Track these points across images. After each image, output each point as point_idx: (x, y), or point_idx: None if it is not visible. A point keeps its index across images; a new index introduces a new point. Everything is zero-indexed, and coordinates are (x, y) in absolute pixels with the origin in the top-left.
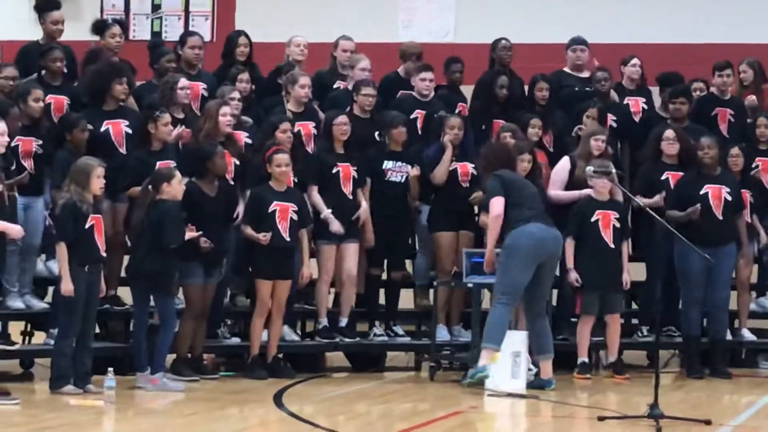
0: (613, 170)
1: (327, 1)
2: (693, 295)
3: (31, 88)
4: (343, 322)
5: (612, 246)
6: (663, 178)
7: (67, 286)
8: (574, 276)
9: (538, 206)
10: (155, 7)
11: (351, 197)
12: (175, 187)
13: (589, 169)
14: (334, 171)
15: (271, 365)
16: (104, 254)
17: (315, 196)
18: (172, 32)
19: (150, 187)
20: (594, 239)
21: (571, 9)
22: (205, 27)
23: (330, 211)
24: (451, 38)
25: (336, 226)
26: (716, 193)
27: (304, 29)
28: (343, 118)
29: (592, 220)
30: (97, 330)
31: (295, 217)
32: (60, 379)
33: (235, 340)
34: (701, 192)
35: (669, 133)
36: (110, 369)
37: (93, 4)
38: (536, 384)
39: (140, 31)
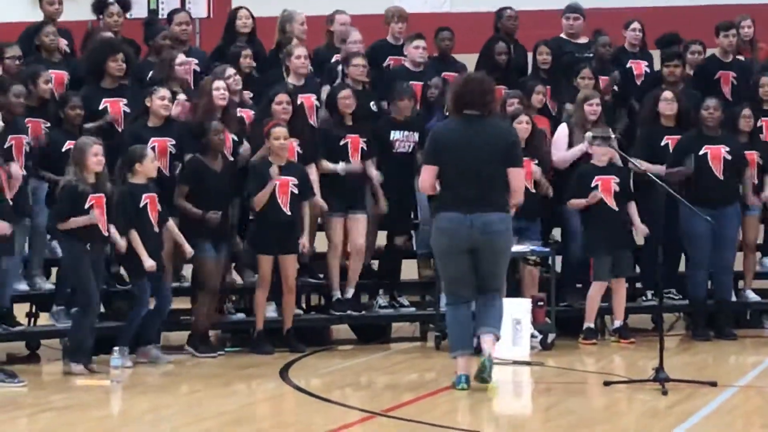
0: (612, 135)
1: None
2: (698, 258)
3: (39, 70)
4: (350, 293)
5: (616, 209)
6: (663, 143)
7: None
8: (576, 202)
9: (464, 185)
10: None
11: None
12: (147, 166)
13: (589, 135)
14: (342, 143)
15: (285, 339)
16: (107, 233)
17: (325, 164)
18: (168, 9)
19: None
20: (597, 205)
21: None
22: (202, 3)
23: (343, 164)
24: (448, 8)
25: (350, 166)
26: (715, 153)
27: (298, 3)
28: (346, 92)
29: (592, 185)
30: (102, 309)
31: (295, 190)
32: (75, 353)
33: (240, 316)
34: (700, 152)
35: (667, 93)
36: (115, 348)
37: None
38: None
39: (137, 8)
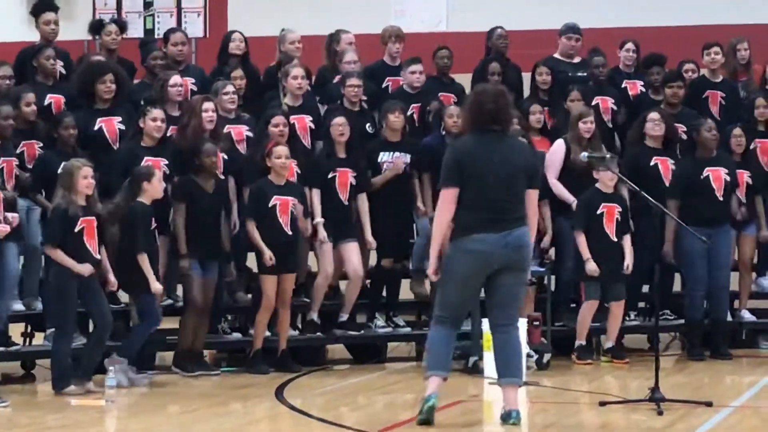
0: (608, 155)
1: None
2: (695, 278)
3: (22, 92)
4: (344, 317)
5: (614, 239)
6: (652, 163)
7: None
8: (592, 267)
9: (494, 203)
10: (147, 5)
11: (347, 203)
12: (156, 186)
13: (584, 155)
14: (330, 176)
15: (280, 359)
16: (98, 257)
17: (316, 201)
18: (164, 29)
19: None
20: (597, 231)
21: None
22: (198, 23)
23: (323, 220)
24: (444, 27)
25: (322, 236)
26: (717, 175)
27: (296, 23)
28: (339, 119)
29: (598, 212)
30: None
31: (295, 210)
32: (61, 380)
33: (236, 336)
34: (702, 175)
35: (654, 114)
36: (111, 368)
37: (86, 3)
38: (503, 417)
39: (133, 28)
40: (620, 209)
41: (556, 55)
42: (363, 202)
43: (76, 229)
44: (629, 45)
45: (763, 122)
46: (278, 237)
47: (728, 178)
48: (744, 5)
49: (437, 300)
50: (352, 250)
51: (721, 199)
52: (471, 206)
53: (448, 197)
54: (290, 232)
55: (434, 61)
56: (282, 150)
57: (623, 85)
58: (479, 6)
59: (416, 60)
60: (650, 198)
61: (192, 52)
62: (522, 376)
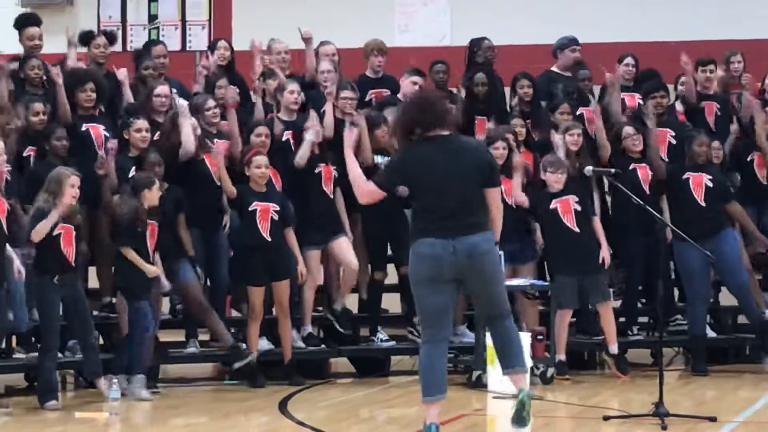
0: (612, 170)
1: (324, 6)
2: (695, 293)
3: (30, 102)
4: (339, 305)
5: (577, 230)
6: (630, 168)
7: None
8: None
9: (441, 208)
10: (152, 18)
11: (332, 196)
12: (154, 194)
13: (588, 169)
14: (316, 171)
15: (285, 371)
16: (74, 264)
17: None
18: (169, 42)
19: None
20: (556, 227)
21: (566, 10)
22: (202, 36)
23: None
24: (448, 41)
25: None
26: (697, 180)
27: (300, 36)
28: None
29: (551, 208)
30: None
31: (276, 217)
32: (46, 394)
33: None
34: (683, 177)
35: (629, 129)
36: (114, 380)
37: (90, 15)
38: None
39: (138, 41)
40: (576, 199)
41: (554, 69)
42: (339, 195)
43: (54, 233)
44: (628, 59)
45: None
46: (256, 242)
47: (711, 184)
48: (737, 21)
49: (417, 313)
50: (342, 245)
51: (703, 204)
52: (420, 211)
53: (374, 193)
54: (270, 239)
55: (430, 75)
56: (261, 159)
57: (621, 97)
58: (483, 21)
59: (418, 72)
60: (654, 212)
61: (196, 65)
62: (524, 362)
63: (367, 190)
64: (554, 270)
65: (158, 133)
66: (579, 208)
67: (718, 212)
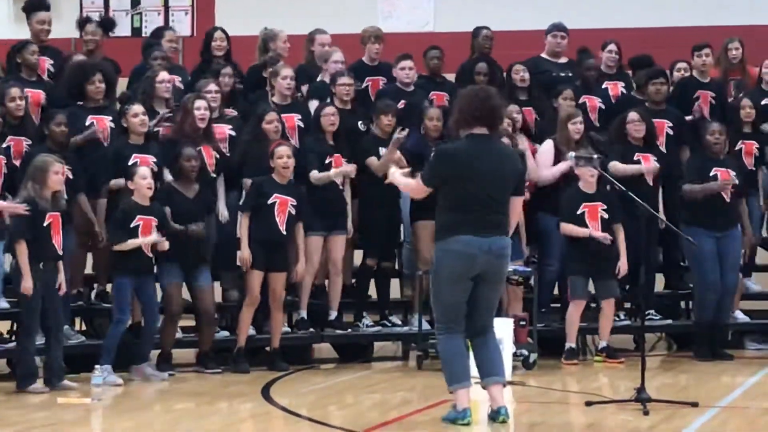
0: (596, 156)
1: None
2: (706, 282)
3: (5, 89)
4: (333, 315)
5: None
6: (635, 158)
7: (26, 284)
8: (599, 234)
9: (478, 208)
10: (134, 3)
11: (342, 188)
12: (138, 182)
13: (571, 155)
14: (327, 161)
15: (269, 358)
16: (61, 252)
17: (316, 174)
18: (151, 28)
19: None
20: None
21: None
22: (185, 22)
23: (335, 170)
24: (431, 28)
25: (350, 168)
26: (725, 176)
27: (283, 22)
28: (330, 109)
29: (579, 212)
30: (84, 327)
31: (293, 211)
32: (26, 378)
33: (224, 334)
34: (711, 174)
35: (633, 115)
36: (97, 366)
37: (73, 1)
38: (491, 416)
39: (120, 27)
40: (604, 207)
41: (543, 55)
42: (347, 187)
43: (45, 224)
44: (611, 46)
45: (748, 123)
46: (271, 234)
47: (736, 181)
48: (733, 7)
49: (434, 306)
50: (338, 243)
51: (728, 201)
52: (454, 208)
53: (422, 190)
54: (284, 232)
55: (425, 61)
56: (284, 150)
57: (604, 86)
58: (466, 7)
59: (406, 56)
60: (637, 198)
61: (179, 51)
62: (504, 374)
63: (420, 190)
64: (569, 270)
65: (164, 124)
66: (606, 216)
67: (736, 208)
